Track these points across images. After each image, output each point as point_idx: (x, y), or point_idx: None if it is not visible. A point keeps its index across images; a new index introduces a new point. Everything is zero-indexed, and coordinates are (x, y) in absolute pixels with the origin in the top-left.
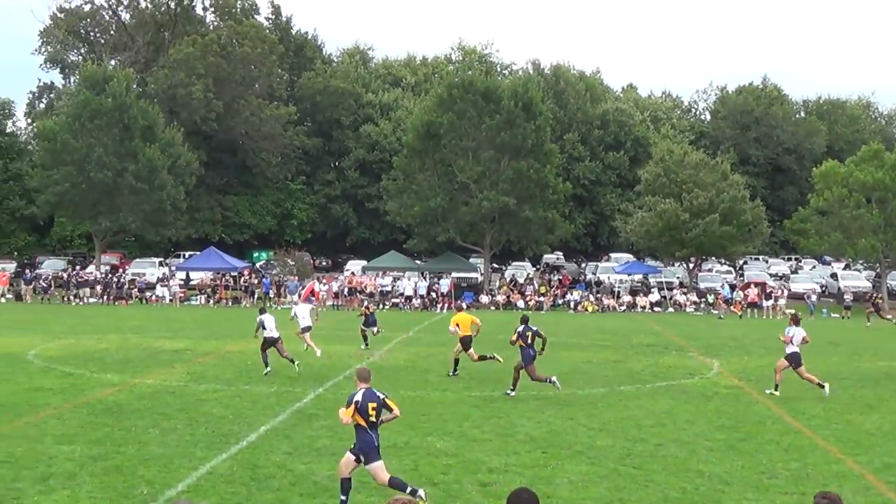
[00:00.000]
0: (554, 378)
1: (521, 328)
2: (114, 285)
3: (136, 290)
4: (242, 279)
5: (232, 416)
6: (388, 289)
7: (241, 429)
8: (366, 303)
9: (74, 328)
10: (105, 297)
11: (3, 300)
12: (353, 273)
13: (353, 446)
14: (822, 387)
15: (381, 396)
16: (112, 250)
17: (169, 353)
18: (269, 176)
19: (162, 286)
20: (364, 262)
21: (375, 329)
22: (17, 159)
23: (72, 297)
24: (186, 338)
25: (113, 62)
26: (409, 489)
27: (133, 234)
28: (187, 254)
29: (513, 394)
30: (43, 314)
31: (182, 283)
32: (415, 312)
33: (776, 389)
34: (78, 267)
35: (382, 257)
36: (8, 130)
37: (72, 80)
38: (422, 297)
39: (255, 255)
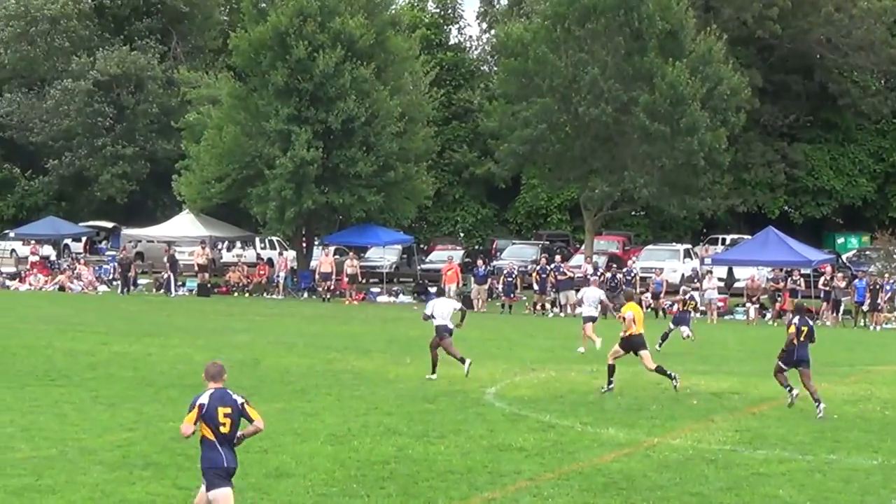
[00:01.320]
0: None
1: (796, 320)
2: (617, 285)
3: (647, 293)
4: (821, 280)
5: None
6: None
7: None
8: (689, 294)
9: (553, 352)
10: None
11: None
12: None
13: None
14: None
15: (239, 401)
16: (609, 231)
17: (704, 396)
18: (863, 112)
19: (689, 286)
20: None
21: (685, 331)
22: (465, 86)
23: (546, 305)
24: (733, 373)
25: None
26: None
27: (642, 205)
28: (725, 238)
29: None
30: (504, 330)
31: (722, 283)
32: None
33: None
34: (558, 258)
35: None
36: (452, 42)
37: None
38: None
39: (840, 240)
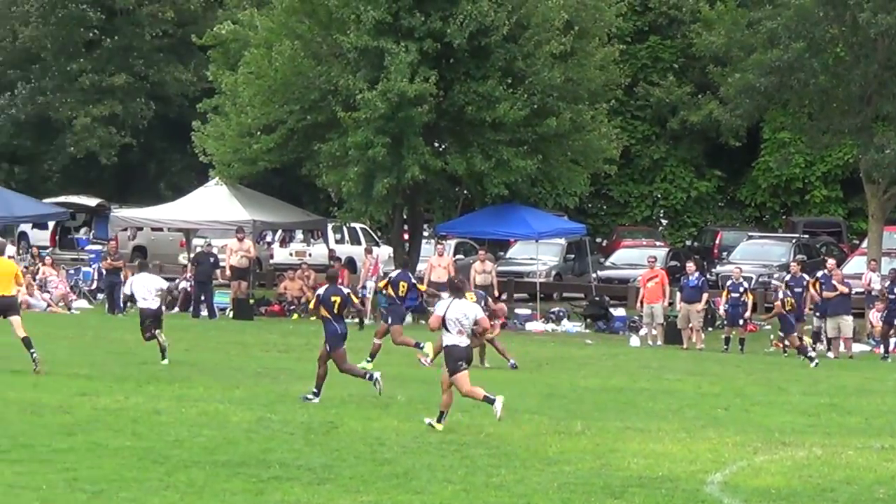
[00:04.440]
0: None
1: None
2: None
3: None
4: None
5: None
6: None
7: None
8: None
9: (818, 416)
10: None
11: None
12: None
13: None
14: None
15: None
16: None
17: None
18: None
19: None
20: None
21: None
22: None
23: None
24: None
25: None
26: None
27: None
28: None
29: None
30: (735, 379)
31: None
32: None
33: None
34: (831, 262)
35: None
36: None
37: None
38: None
39: None
